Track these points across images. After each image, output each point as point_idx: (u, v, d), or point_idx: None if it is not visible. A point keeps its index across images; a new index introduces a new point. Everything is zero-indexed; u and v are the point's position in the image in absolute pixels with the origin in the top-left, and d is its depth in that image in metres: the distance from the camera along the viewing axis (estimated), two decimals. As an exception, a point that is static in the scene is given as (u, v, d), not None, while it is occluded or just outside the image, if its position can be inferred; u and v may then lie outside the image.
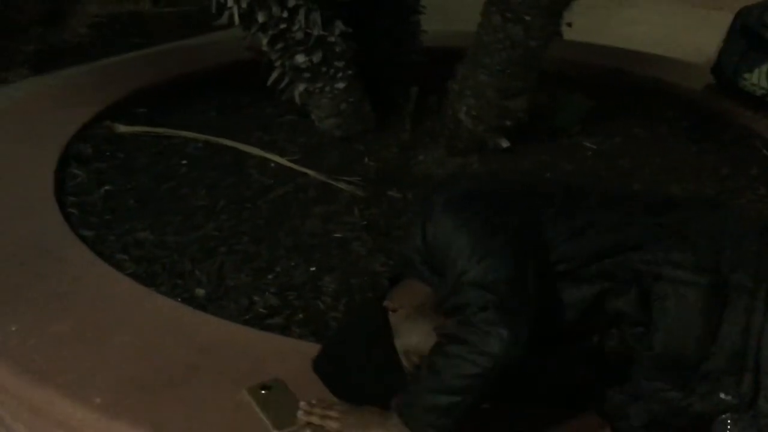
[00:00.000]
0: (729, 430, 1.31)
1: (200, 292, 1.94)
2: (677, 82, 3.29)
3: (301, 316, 1.85)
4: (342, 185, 2.34)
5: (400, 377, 1.37)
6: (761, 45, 2.81)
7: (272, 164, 2.49)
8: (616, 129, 2.84)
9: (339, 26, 2.44)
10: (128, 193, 2.37)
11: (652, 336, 1.34)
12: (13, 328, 1.69)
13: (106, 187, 2.38)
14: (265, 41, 2.46)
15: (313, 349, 1.56)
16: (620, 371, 1.39)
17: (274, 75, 2.61)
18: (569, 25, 2.45)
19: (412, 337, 1.37)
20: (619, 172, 2.54)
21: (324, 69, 2.49)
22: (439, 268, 1.39)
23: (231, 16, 2.40)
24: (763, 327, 1.29)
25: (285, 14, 2.35)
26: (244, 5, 2.34)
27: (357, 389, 1.41)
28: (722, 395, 1.32)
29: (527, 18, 2.31)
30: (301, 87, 2.56)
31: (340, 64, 2.50)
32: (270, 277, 1.99)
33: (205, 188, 2.38)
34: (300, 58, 2.46)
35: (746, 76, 2.87)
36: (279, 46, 2.45)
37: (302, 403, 1.44)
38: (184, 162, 2.55)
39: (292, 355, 1.62)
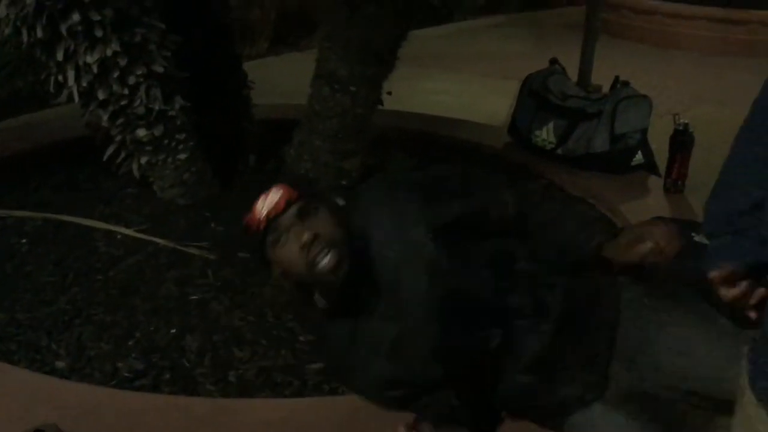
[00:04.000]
0: None
1: (60, 364, 1.95)
2: (481, 142, 3.68)
3: (168, 375, 1.92)
4: (192, 250, 2.43)
5: None
6: (547, 106, 3.27)
7: (119, 236, 2.53)
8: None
9: (179, 101, 2.56)
10: (-32, 275, 2.31)
11: None
12: None
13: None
14: (105, 117, 2.52)
15: (187, 401, 1.65)
16: None
17: (111, 149, 2.67)
18: (389, 93, 2.74)
19: None
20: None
21: (166, 141, 2.59)
22: None
23: (70, 94, 2.45)
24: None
25: (126, 91, 2.45)
26: (84, 83, 2.41)
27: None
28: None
29: (353, 89, 2.56)
30: (143, 159, 2.64)
31: (181, 136, 2.61)
32: (131, 342, 2.04)
33: (51, 264, 2.38)
34: (141, 132, 2.55)
35: (537, 133, 3.28)
36: (120, 121, 2.53)
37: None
38: (24, 240, 2.53)
39: (170, 410, 1.69)
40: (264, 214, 1.46)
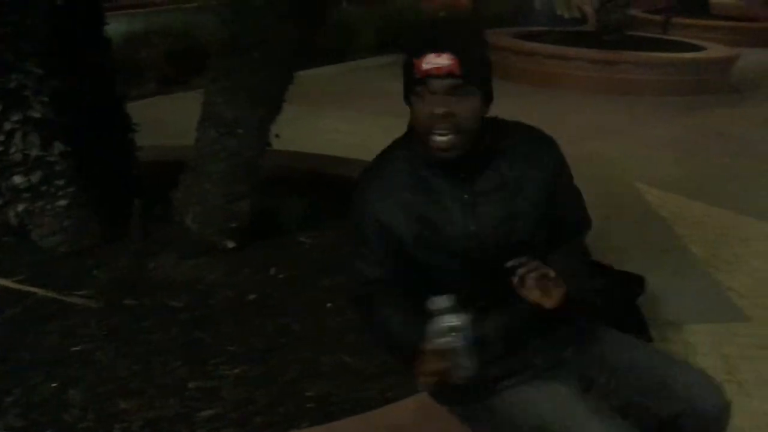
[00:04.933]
0: None
1: (-69, 425, 1.85)
2: (374, 180, 3.76)
3: (50, 431, 1.85)
4: (75, 299, 2.36)
5: None
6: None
7: (-5, 288, 2.43)
8: (328, 223, 3.17)
9: (58, 146, 2.51)
10: None
11: None
12: None
13: None
14: (-22, 165, 2.44)
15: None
16: None
17: (-15, 199, 2.58)
18: (277, 136, 2.76)
19: None
20: (334, 261, 2.84)
21: (44, 188, 2.52)
22: None
23: (-61, 141, 2.36)
24: None
25: (1, 137, 2.37)
26: (-45, 130, 2.32)
27: None
28: None
29: (240, 131, 2.58)
30: (20, 207, 2.55)
31: (60, 182, 2.55)
32: (10, 399, 1.96)
33: None
34: (18, 179, 2.48)
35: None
36: (-6, 168, 2.45)
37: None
38: None
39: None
40: (424, 69, 1.52)
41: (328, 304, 2.47)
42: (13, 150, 2.40)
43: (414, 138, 1.63)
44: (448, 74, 1.51)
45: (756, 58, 10.75)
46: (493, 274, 1.65)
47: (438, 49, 1.51)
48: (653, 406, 1.63)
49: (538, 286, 1.55)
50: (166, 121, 4.81)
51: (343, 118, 6.51)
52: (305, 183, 3.54)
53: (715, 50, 9.19)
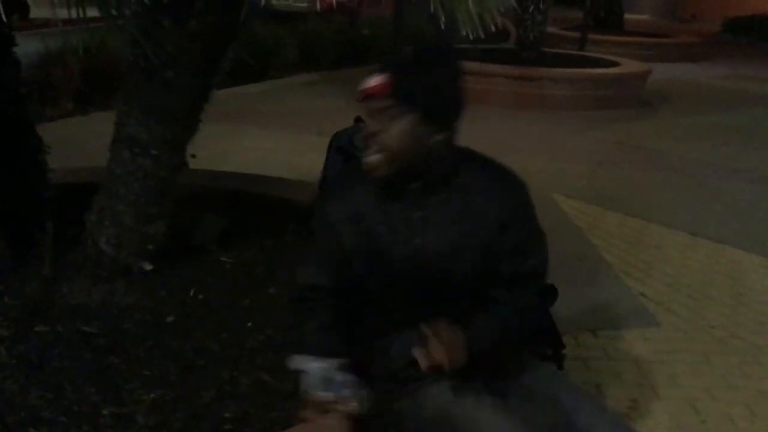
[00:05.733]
0: None
1: None
2: (296, 198, 3.76)
3: (-45, 466, 1.79)
4: (-18, 328, 2.29)
5: None
6: (352, 159, 3.40)
7: None
8: (249, 242, 3.16)
9: (-37, 169, 2.43)
10: None
11: None
12: None
13: None
14: None
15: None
16: None
17: None
18: (193, 156, 2.74)
19: None
20: (255, 280, 2.83)
21: (-51, 212, 2.44)
22: None
23: None
24: None
25: None
26: None
27: None
28: None
29: (154, 152, 2.55)
30: (-77, 233, 2.46)
31: (-34, 206, 2.47)
32: None
33: None
34: None
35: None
36: None
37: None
38: None
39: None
40: (364, 88, 1.59)
41: (248, 324, 2.47)
42: None
43: None
44: (379, 94, 1.57)
45: (668, 72, 11.23)
46: (431, 304, 1.67)
47: (380, 71, 1.59)
48: None
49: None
50: (85, 140, 4.70)
51: (266, 137, 6.50)
52: (226, 202, 3.52)
53: (628, 65, 9.55)
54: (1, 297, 2.47)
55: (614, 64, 9.53)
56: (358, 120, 3.61)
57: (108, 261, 2.59)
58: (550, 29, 11.50)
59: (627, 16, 15.59)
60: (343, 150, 3.49)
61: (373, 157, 1.60)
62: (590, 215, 5.11)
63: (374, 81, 1.58)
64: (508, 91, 8.51)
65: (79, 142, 4.99)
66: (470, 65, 8.80)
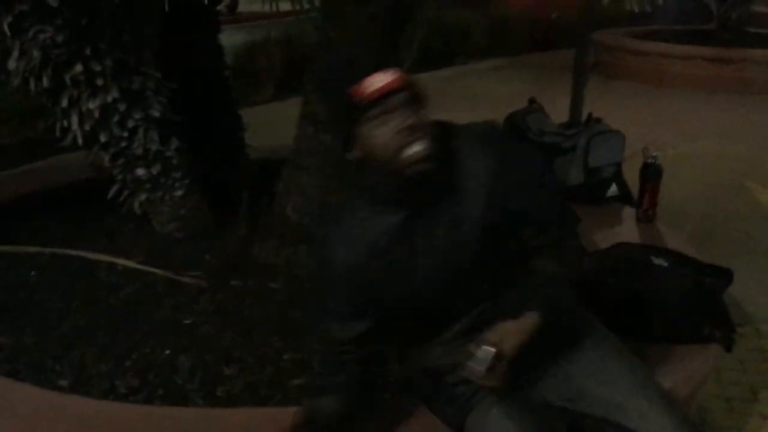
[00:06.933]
0: None
1: (63, 382, 2.12)
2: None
3: (161, 392, 2.08)
4: (187, 279, 2.61)
5: None
6: (524, 139, 3.47)
7: (119, 267, 2.72)
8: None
9: (175, 142, 2.77)
10: (-20, 304, 2.51)
11: None
12: None
13: (-43, 302, 2.50)
14: (107, 158, 2.74)
15: (175, 411, 1.80)
16: None
17: (114, 189, 2.88)
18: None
19: None
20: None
21: (163, 180, 2.80)
22: None
23: (74, 138, 2.67)
24: None
25: (125, 134, 2.66)
26: (87, 127, 2.62)
27: None
28: None
29: (333, 128, 2.75)
30: (143, 197, 2.84)
31: (177, 174, 2.82)
32: (128, 363, 2.20)
33: (57, 293, 2.56)
34: (140, 171, 2.76)
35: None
36: (120, 161, 2.75)
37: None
38: (33, 273, 2.72)
39: (160, 420, 1.86)
40: (376, 88, 1.46)
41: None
42: (136, 145, 2.68)
43: (366, 178, 1.57)
44: (401, 88, 1.48)
45: None
46: (465, 303, 1.66)
47: (385, 70, 1.49)
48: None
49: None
50: (281, 125, 5.09)
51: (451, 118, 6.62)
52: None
53: None
54: (203, 254, 2.80)
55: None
56: (531, 101, 3.68)
57: (293, 226, 2.84)
58: (759, 9, 10.67)
59: None
60: (517, 129, 3.57)
61: (422, 146, 1.48)
62: (789, 205, 4.77)
63: (379, 81, 1.46)
64: (703, 73, 8.05)
65: (276, 125, 5.39)
66: (664, 47, 8.44)
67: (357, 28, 2.53)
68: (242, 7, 3.98)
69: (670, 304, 2.19)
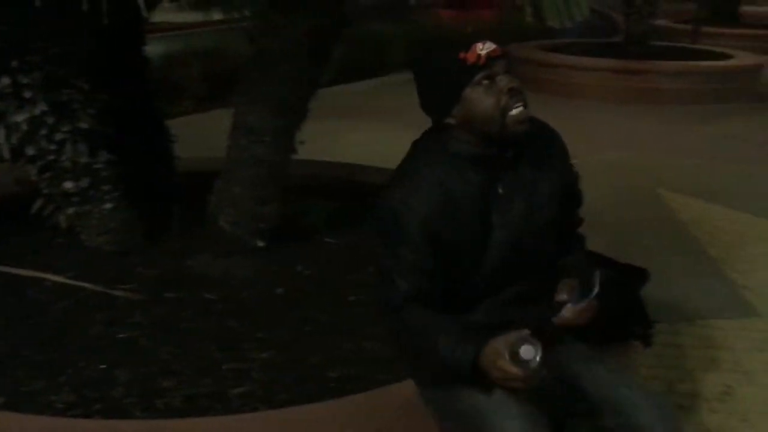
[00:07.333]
0: None
1: (-3, 401, 2.07)
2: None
3: (98, 406, 2.06)
4: (120, 293, 2.59)
5: None
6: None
7: (48, 283, 2.67)
8: (354, 227, 3.36)
9: (104, 155, 2.75)
10: None
11: None
12: None
13: None
14: (34, 172, 2.69)
15: (118, 424, 1.80)
16: None
17: (39, 203, 2.83)
18: (302, 142, 2.97)
19: None
20: (358, 260, 3.01)
21: (92, 193, 2.76)
22: None
23: (0, 152, 2.61)
24: None
25: (53, 147, 2.62)
26: (14, 141, 2.57)
27: None
28: None
29: (267, 139, 2.79)
30: (71, 210, 2.79)
31: (106, 187, 2.79)
32: (62, 379, 2.17)
33: (-17, 312, 2.50)
34: (68, 185, 2.72)
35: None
36: (47, 175, 2.70)
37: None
38: (-45, 291, 2.64)
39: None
40: (485, 53, 1.63)
41: (351, 298, 2.66)
42: (63, 158, 2.64)
43: (460, 138, 1.71)
44: (504, 55, 1.67)
45: (786, 66, 10.74)
46: (519, 271, 1.77)
47: (479, 40, 1.66)
48: (595, 416, 1.71)
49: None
50: (204, 137, 5.06)
51: (374, 131, 6.71)
52: (333, 189, 3.74)
53: (741, 58, 9.22)
54: (135, 268, 2.77)
55: (726, 56, 9.22)
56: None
57: (227, 238, 2.85)
58: (661, 22, 11.23)
59: (744, 8, 14.94)
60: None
61: (524, 109, 1.65)
62: (696, 210, 5.04)
63: (489, 45, 1.65)
64: (612, 85, 8.42)
65: (198, 137, 5.36)
66: (573, 59, 8.77)
67: (290, 43, 2.58)
68: (158, 17, 3.94)
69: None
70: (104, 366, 2.23)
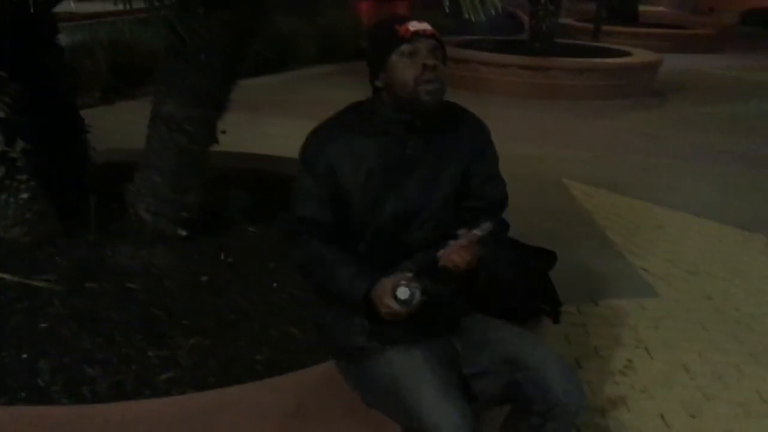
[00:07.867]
0: None
1: None
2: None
3: (23, 394, 2.04)
4: (39, 283, 2.55)
5: None
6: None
7: (-38, 275, 2.60)
8: (273, 216, 3.40)
9: (20, 144, 2.69)
10: None
11: None
12: None
13: None
14: (-54, 161, 2.62)
15: (44, 410, 1.80)
16: None
17: (-52, 194, 2.75)
18: (224, 132, 2.99)
19: None
20: (278, 248, 3.06)
21: (7, 182, 2.71)
22: None
23: None
24: None
25: (-33, 135, 2.56)
26: (-76, 130, 2.50)
27: None
28: None
29: (188, 128, 2.81)
30: (-15, 200, 2.73)
31: (22, 177, 2.74)
32: (-18, 370, 2.14)
33: None
34: (-18, 174, 2.66)
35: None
36: (-40, 164, 2.63)
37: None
38: None
39: (35, 419, 1.85)
40: (415, 29, 1.83)
41: (274, 284, 2.71)
42: (-23, 147, 2.59)
43: (383, 100, 1.90)
44: (432, 36, 1.84)
45: (681, 63, 11.37)
46: (412, 235, 1.92)
47: (418, 20, 1.85)
48: (503, 373, 1.86)
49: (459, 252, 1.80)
50: (111, 129, 4.98)
51: (286, 124, 6.74)
52: (252, 181, 3.77)
53: (639, 55, 9.71)
54: (53, 258, 2.73)
55: (625, 54, 9.69)
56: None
57: (147, 227, 2.84)
58: (565, 21, 11.69)
59: (643, 8, 15.67)
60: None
61: (436, 85, 1.83)
62: (598, 198, 5.33)
63: (423, 25, 1.84)
64: (519, 81, 8.72)
65: (105, 129, 5.26)
66: (482, 56, 9.03)
67: (209, 34, 2.60)
68: (61, 7, 3.87)
69: (503, 284, 2.45)
70: (26, 356, 2.20)
